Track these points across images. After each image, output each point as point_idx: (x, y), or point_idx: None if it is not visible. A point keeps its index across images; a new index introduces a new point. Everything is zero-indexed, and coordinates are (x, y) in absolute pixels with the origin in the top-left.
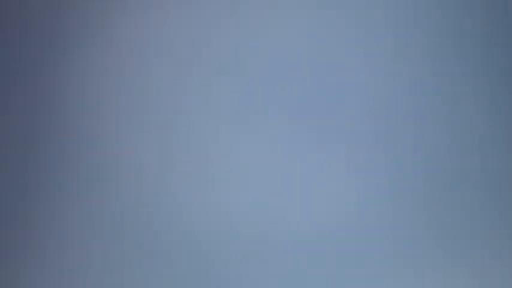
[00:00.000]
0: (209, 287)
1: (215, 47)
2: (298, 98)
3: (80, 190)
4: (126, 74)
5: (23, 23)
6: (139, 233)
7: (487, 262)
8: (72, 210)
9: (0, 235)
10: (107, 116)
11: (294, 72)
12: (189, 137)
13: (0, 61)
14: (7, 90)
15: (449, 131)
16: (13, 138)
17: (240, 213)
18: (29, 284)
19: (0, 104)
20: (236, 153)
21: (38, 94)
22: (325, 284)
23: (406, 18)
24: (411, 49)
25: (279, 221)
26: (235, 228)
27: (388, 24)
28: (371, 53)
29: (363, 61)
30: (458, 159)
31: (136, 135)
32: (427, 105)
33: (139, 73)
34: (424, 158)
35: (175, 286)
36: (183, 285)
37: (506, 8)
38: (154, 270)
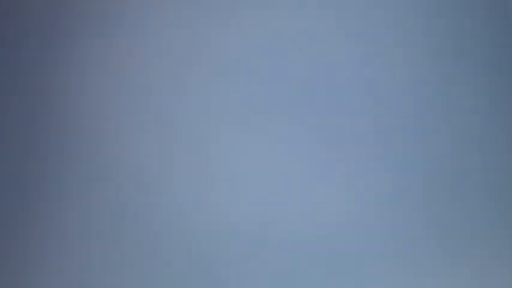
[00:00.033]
0: (209, 287)
1: (215, 47)
2: (298, 98)
3: (80, 190)
4: (126, 74)
5: (23, 23)
6: (139, 233)
7: (487, 262)
8: (72, 210)
9: (0, 235)
10: (107, 116)
11: (294, 72)
12: (189, 137)
13: (0, 61)
14: (7, 90)
15: (449, 131)
16: (13, 138)
17: (240, 213)
18: (29, 284)
19: (0, 104)
20: (236, 153)
21: (38, 94)
22: (325, 284)
23: (406, 18)
24: (411, 49)
25: (278, 221)
26: (235, 228)
27: (388, 24)
28: (371, 53)
29: (363, 61)
30: (458, 159)
31: (137, 135)
32: (427, 105)
33: (139, 73)
34: (424, 158)
35: (175, 286)
36: (183, 285)
37: (506, 8)
38: (154, 270)
